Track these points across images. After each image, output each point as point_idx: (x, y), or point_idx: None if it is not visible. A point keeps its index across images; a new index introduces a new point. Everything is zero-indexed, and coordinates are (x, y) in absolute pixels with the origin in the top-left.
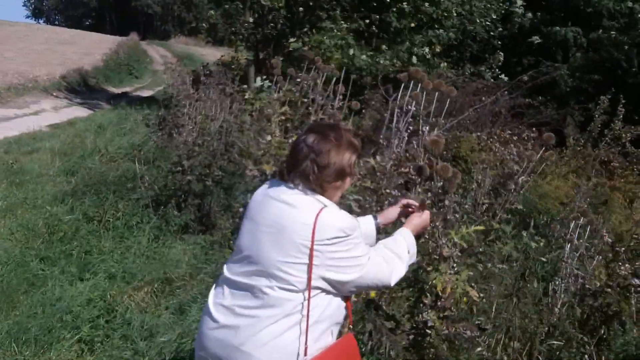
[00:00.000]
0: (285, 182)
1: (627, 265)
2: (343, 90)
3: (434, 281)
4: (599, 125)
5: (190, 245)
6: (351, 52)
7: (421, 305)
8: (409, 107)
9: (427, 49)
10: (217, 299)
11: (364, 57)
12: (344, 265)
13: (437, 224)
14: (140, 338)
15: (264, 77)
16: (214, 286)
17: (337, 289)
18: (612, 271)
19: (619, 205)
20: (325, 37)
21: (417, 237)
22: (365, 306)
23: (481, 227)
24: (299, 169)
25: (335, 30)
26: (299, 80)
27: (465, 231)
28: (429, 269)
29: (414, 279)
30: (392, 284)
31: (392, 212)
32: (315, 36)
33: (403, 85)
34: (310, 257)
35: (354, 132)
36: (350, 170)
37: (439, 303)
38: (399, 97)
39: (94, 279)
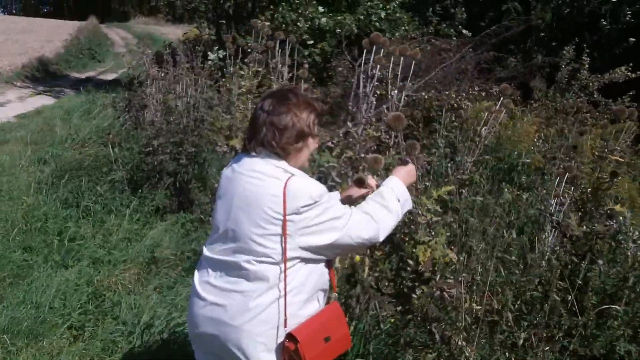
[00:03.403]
0: (248, 153)
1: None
2: (289, 62)
3: (414, 250)
4: (566, 76)
5: (170, 225)
6: (319, 21)
7: (402, 272)
8: (374, 71)
9: (383, 13)
10: (203, 278)
11: (324, 19)
12: (320, 230)
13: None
14: (131, 320)
15: (216, 48)
16: (197, 266)
17: (321, 254)
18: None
19: (588, 150)
20: (285, 11)
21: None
22: (346, 281)
23: (450, 187)
24: (259, 136)
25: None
26: (250, 50)
27: (437, 194)
28: (406, 238)
29: (392, 249)
30: (381, 239)
31: (352, 191)
32: (278, 9)
33: (366, 51)
34: (284, 227)
35: (313, 95)
36: (311, 130)
37: (419, 268)
38: (362, 62)
39: (78, 265)
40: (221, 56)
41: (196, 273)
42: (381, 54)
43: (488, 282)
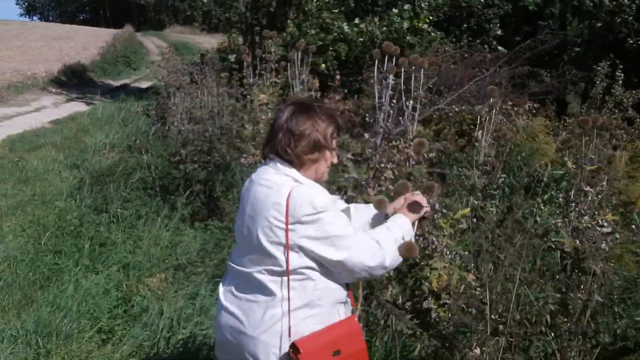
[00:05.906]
0: (264, 160)
1: (585, 217)
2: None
3: (429, 275)
4: (601, 92)
5: (200, 232)
6: (344, 26)
7: (419, 293)
8: (388, 80)
9: (406, 23)
10: (227, 287)
11: (345, 25)
12: (321, 245)
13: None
14: (158, 325)
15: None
16: (224, 275)
17: (328, 270)
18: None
19: (621, 167)
20: (300, 20)
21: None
22: (364, 298)
23: (467, 211)
24: (274, 142)
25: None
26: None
27: (454, 217)
28: (422, 263)
29: (407, 272)
30: (388, 264)
31: (397, 203)
32: (300, 22)
33: (395, 60)
34: (286, 237)
35: (336, 108)
36: (327, 142)
37: (436, 290)
38: (376, 72)
39: (108, 270)
40: (233, 59)
41: (222, 282)
42: (405, 65)
43: (514, 294)
